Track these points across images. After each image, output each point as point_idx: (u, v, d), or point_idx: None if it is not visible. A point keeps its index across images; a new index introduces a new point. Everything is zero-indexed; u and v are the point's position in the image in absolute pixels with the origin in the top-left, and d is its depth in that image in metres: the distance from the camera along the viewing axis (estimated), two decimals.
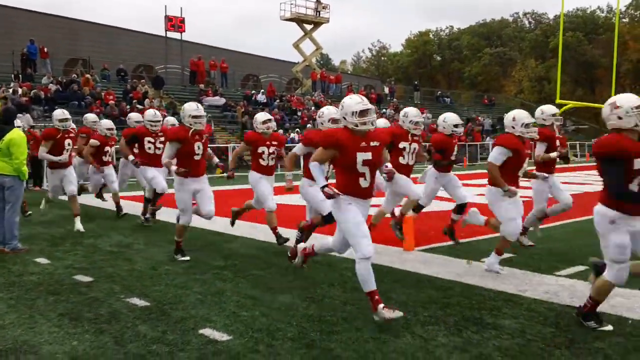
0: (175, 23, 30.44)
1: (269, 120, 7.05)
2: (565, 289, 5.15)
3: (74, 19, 33.90)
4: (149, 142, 8.58)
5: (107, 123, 9.76)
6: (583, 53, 54.13)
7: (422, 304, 4.71)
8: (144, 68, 32.70)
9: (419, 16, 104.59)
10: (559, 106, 28.75)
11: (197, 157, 6.33)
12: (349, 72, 63.90)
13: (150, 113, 8.78)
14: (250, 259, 6.43)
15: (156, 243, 7.23)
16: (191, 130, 6.28)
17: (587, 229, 8.28)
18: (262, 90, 29.63)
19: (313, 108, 27.93)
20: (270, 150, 6.96)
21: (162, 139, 8.50)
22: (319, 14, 36.01)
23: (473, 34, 67.10)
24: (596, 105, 36.85)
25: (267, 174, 7.02)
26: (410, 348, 3.77)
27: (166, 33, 30.83)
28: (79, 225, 8.20)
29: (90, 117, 10.25)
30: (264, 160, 6.96)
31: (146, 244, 7.14)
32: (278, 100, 28.65)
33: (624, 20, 56.22)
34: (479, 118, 34.51)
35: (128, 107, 21.96)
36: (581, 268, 5.88)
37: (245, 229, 8.26)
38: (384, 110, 31.38)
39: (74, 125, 8.96)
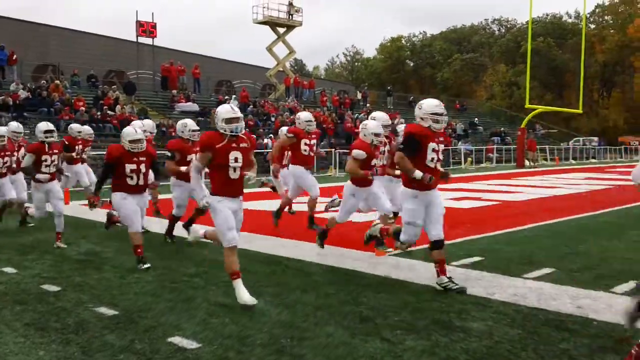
0: (146, 28, 30.22)
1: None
2: (533, 291, 5.24)
3: (42, 24, 33.44)
4: (305, 144, 7.97)
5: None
6: (553, 58, 55.22)
7: (392, 309, 4.75)
8: (115, 74, 32.37)
9: (394, 22, 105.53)
10: (529, 111, 29.29)
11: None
12: (322, 78, 64.06)
13: (305, 115, 8.37)
14: (222, 265, 6.34)
15: (126, 251, 7.11)
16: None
17: (555, 232, 8.47)
18: (235, 96, 29.52)
19: (287, 113, 27.93)
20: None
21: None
22: (292, 17, 36.06)
23: (444, 39, 67.95)
24: (565, 109, 37.54)
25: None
26: (379, 352, 3.79)
27: (137, 38, 30.58)
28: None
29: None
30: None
31: (116, 252, 7.06)
32: (251, 106, 28.58)
33: (590, 25, 57.55)
34: (452, 123, 34.88)
35: (99, 113, 21.69)
36: (548, 270, 5.98)
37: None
38: (357, 115, 31.51)
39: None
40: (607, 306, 4.76)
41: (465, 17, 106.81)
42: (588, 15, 57.38)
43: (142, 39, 30.83)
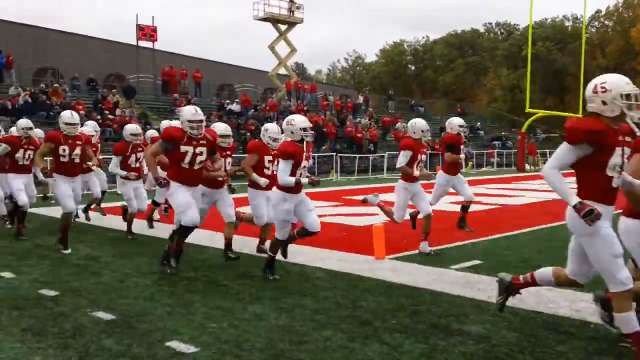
0: (147, 32, 30.24)
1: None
2: (531, 294, 5.21)
3: (42, 27, 33.47)
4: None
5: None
6: (553, 62, 55.17)
7: (391, 312, 4.74)
8: (115, 77, 32.39)
9: (394, 27, 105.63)
10: (529, 115, 29.30)
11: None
12: (324, 82, 64.15)
13: None
14: (221, 269, 6.39)
15: (124, 255, 7.13)
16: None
17: (554, 236, 8.46)
18: (237, 100, 29.53)
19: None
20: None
21: None
22: (293, 14, 35.92)
23: (446, 44, 67.97)
24: (565, 114, 37.58)
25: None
26: (377, 356, 3.78)
27: (137, 42, 30.62)
28: None
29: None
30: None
31: (114, 257, 7.05)
32: (253, 110, 28.59)
33: (592, 29, 57.57)
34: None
35: (99, 117, 21.70)
36: None
37: (216, 239, 8.21)
38: (359, 119, 31.52)
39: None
40: None
41: (467, 22, 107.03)
42: (590, 20, 57.39)
43: (142, 43, 30.87)
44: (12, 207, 9.09)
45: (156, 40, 30.67)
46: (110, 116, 22.38)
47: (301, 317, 4.61)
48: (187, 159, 6.06)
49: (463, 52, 66.77)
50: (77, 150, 7.56)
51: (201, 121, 6.11)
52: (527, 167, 28.65)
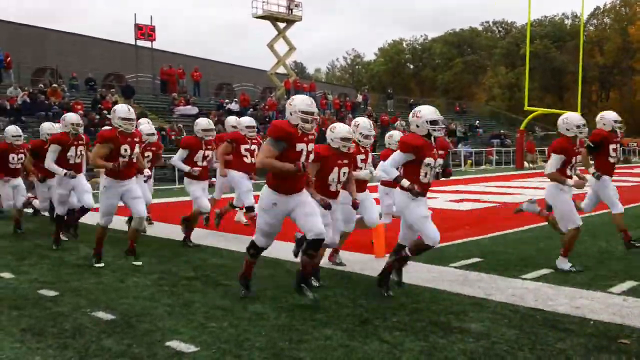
0: (145, 31, 30.21)
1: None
2: (530, 292, 5.24)
3: (40, 27, 33.43)
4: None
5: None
6: (551, 60, 55.16)
7: (391, 310, 4.75)
8: (114, 77, 32.37)
9: (394, 26, 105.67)
10: (528, 113, 29.31)
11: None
12: (323, 81, 64.16)
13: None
14: (221, 268, 6.39)
15: (124, 256, 7.12)
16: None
17: (553, 233, 8.45)
18: (236, 99, 29.52)
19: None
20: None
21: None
22: (292, 12, 35.92)
23: (444, 42, 68.00)
24: (564, 112, 37.36)
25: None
26: (377, 354, 3.79)
27: (136, 41, 30.58)
28: None
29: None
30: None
31: (114, 257, 7.04)
32: (252, 109, 28.57)
33: (590, 27, 57.56)
34: (452, 126, 34.87)
35: (97, 117, 21.69)
36: (546, 271, 6.00)
37: (216, 238, 8.22)
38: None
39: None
40: (604, 306, 4.77)
41: (466, 21, 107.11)
42: (588, 17, 57.33)
43: (140, 42, 30.84)
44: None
45: (154, 39, 30.65)
46: (109, 116, 22.31)
47: (301, 316, 4.61)
48: (302, 158, 4.91)
49: (461, 50, 66.81)
50: (137, 149, 6.66)
51: (314, 113, 4.94)
52: (526, 164, 28.64)
